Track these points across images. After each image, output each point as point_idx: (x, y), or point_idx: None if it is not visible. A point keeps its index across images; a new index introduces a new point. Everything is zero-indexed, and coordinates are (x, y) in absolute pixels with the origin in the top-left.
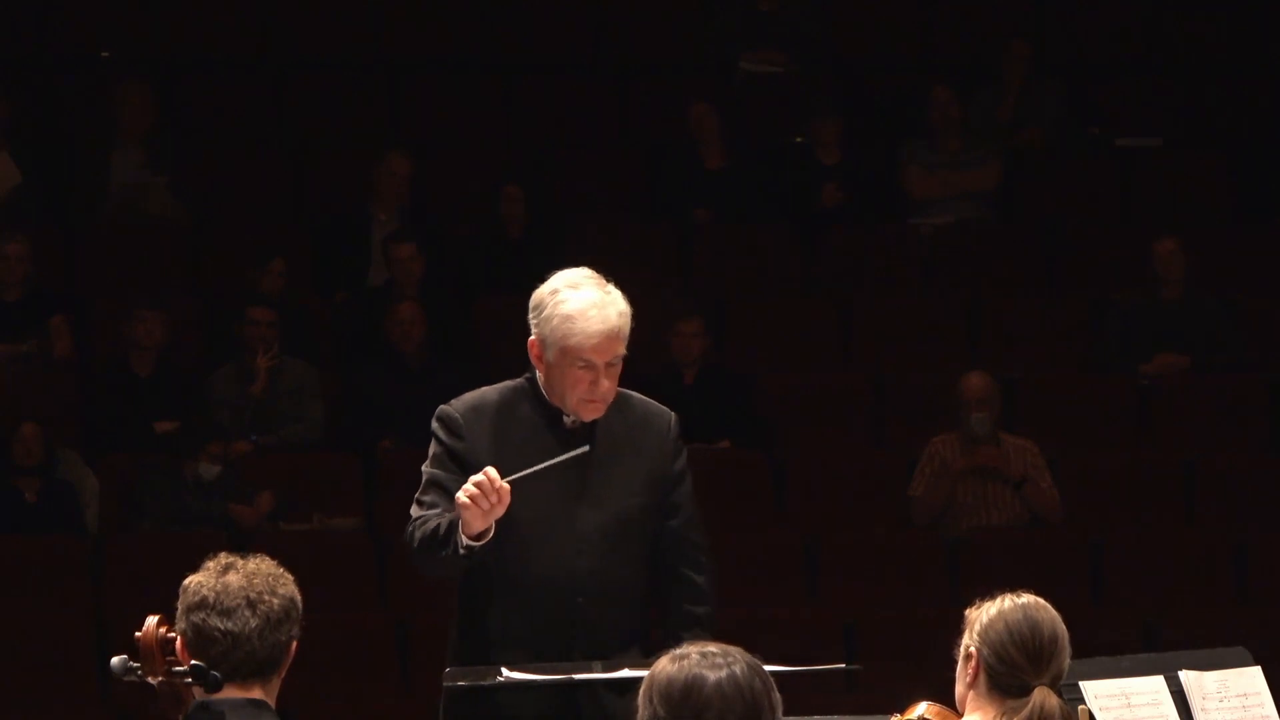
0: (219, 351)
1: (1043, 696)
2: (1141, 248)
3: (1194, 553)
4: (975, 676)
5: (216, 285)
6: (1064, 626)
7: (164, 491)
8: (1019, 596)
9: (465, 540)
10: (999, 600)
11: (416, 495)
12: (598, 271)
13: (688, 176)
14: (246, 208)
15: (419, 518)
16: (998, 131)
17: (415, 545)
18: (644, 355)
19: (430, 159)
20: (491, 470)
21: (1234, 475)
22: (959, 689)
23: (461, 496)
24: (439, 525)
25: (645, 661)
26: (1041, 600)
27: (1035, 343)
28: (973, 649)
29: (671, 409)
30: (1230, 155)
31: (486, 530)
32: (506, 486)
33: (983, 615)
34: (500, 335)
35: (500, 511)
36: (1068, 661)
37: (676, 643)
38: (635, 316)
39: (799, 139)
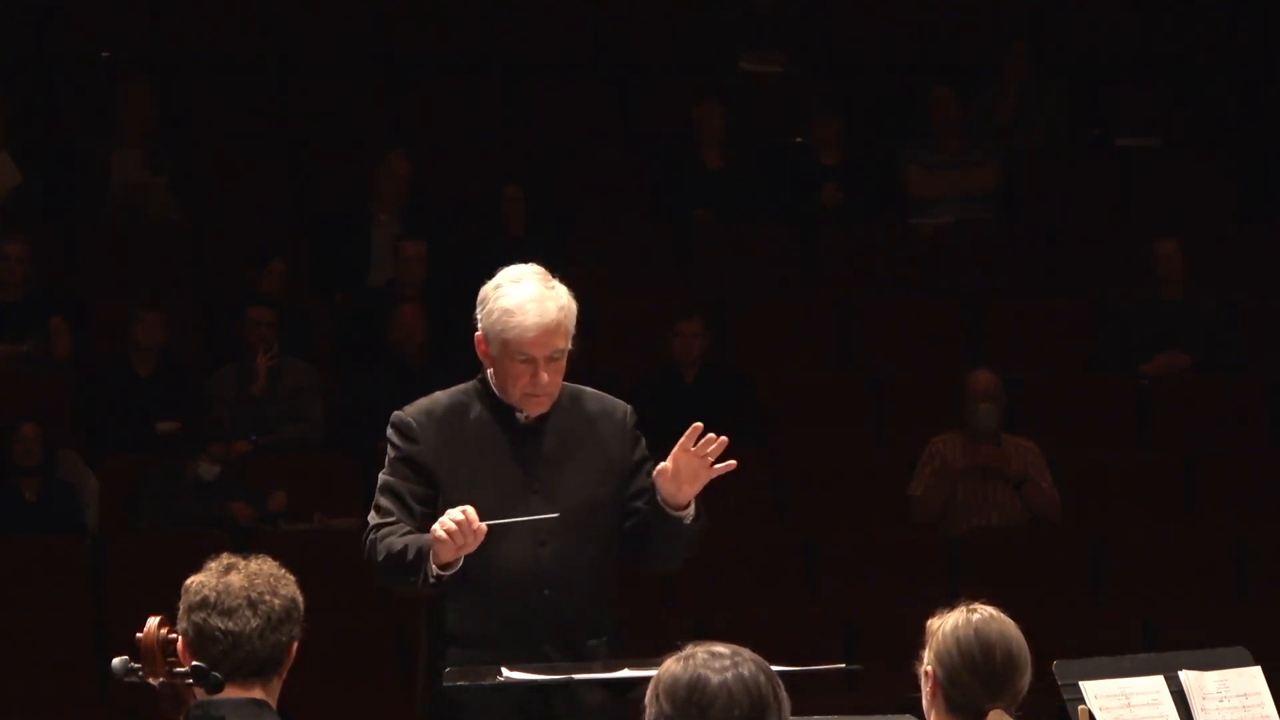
0: (219, 351)
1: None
2: (1141, 248)
3: (1194, 553)
4: (934, 697)
5: (216, 285)
6: (1022, 643)
7: (164, 492)
8: (973, 611)
9: (435, 570)
10: (954, 615)
11: (374, 500)
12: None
13: (687, 176)
14: (246, 208)
15: (379, 527)
16: (998, 131)
17: (379, 561)
18: (644, 355)
19: (430, 159)
20: (470, 510)
21: (1234, 475)
22: (925, 704)
23: (439, 531)
24: (405, 548)
25: (645, 661)
26: (998, 614)
27: (1035, 343)
28: (928, 669)
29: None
30: (1230, 155)
31: (456, 560)
32: (483, 528)
33: (939, 632)
34: None
35: (473, 548)
36: (1027, 680)
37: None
38: (635, 316)
39: (799, 139)
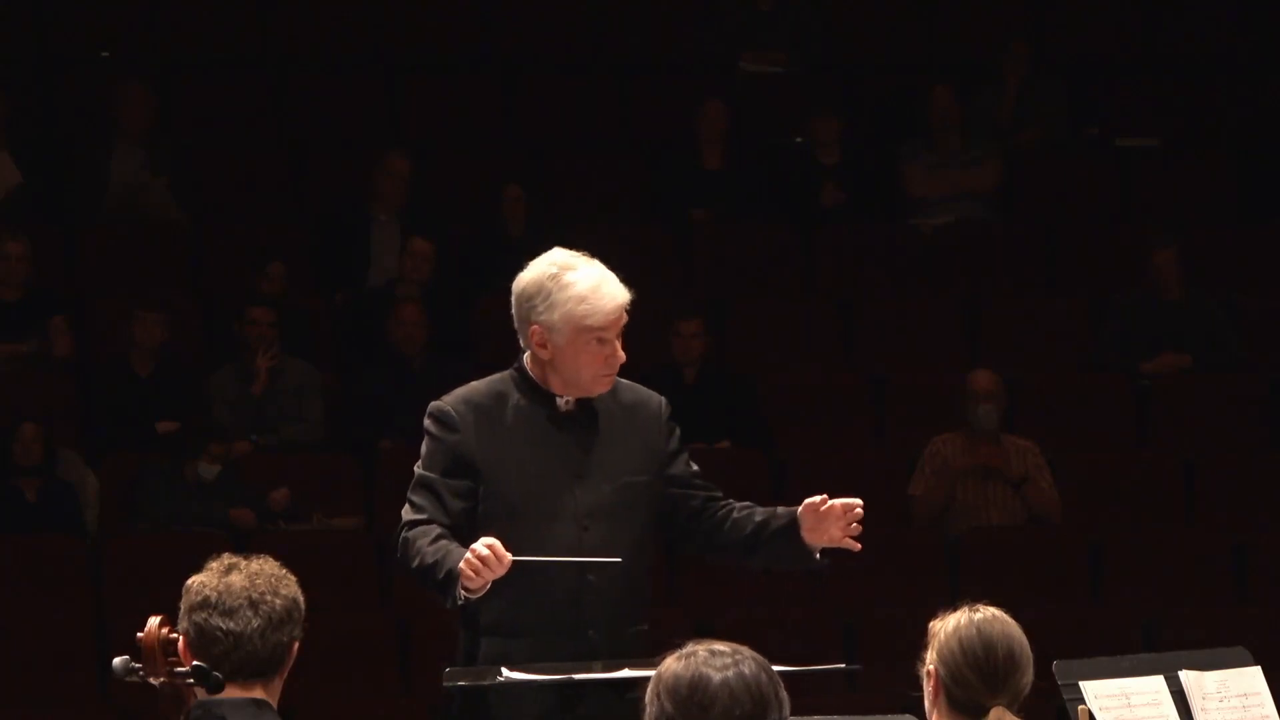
0: (219, 351)
1: (998, 716)
2: (1141, 248)
3: (1194, 553)
4: (936, 695)
5: (216, 285)
6: (1024, 643)
7: (163, 492)
8: (976, 611)
9: (463, 594)
10: (957, 615)
11: (409, 494)
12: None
13: (687, 176)
14: (246, 208)
15: (412, 525)
16: (998, 131)
17: (411, 568)
18: (644, 355)
19: (430, 159)
20: (497, 544)
21: (1234, 475)
22: (926, 705)
23: (465, 568)
24: (436, 566)
25: (646, 661)
26: (1001, 614)
27: (1035, 343)
28: (931, 668)
29: (672, 409)
30: (1230, 155)
31: (484, 585)
32: (509, 559)
33: (940, 632)
34: (500, 335)
35: (499, 576)
36: (1029, 679)
37: (727, 514)
38: (635, 316)
39: (799, 139)
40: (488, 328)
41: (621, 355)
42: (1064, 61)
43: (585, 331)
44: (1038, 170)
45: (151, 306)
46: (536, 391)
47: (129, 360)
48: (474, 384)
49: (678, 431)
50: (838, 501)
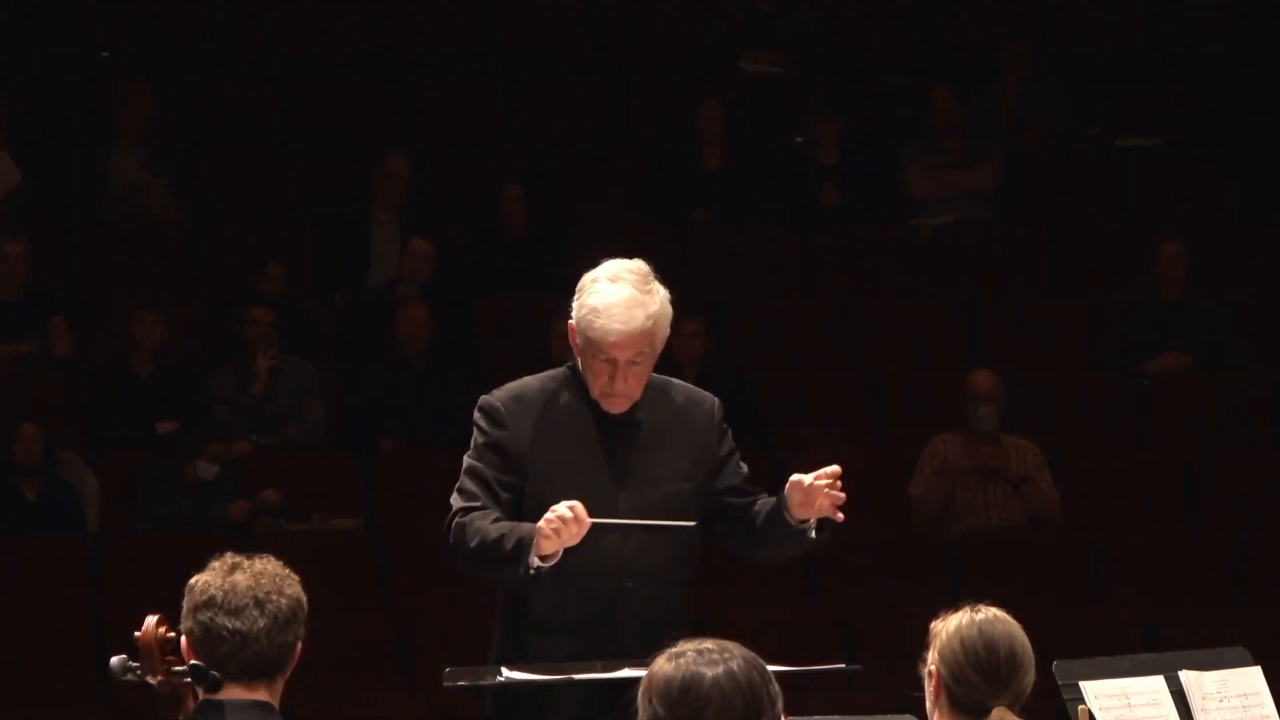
0: (219, 351)
1: (1000, 716)
2: (1141, 248)
3: (1194, 553)
4: (937, 696)
5: (216, 285)
6: (1026, 643)
7: (163, 491)
8: (978, 611)
9: (536, 562)
10: (959, 615)
11: (459, 483)
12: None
13: (687, 176)
14: (246, 208)
15: (466, 511)
16: (998, 131)
17: (470, 548)
18: None
19: (430, 159)
20: (579, 506)
21: (1234, 475)
22: (928, 706)
23: (544, 527)
24: (502, 538)
25: (644, 661)
26: (1003, 615)
27: (1035, 343)
28: (932, 668)
29: (724, 410)
30: (1231, 155)
31: (556, 552)
32: (589, 520)
33: (942, 632)
34: (502, 335)
35: (576, 541)
36: (1031, 679)
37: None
38: None
39: (799, 139)
40: (489, 328)
41: (621, 384)
42: (1064, 61)
43: (590, 344)
44: (1038, 170)
45: (151, 306)
46: (586, 393)
47: (129, 360)
48: (526, 379)
49: (729, 434)
50: (820, 476)
